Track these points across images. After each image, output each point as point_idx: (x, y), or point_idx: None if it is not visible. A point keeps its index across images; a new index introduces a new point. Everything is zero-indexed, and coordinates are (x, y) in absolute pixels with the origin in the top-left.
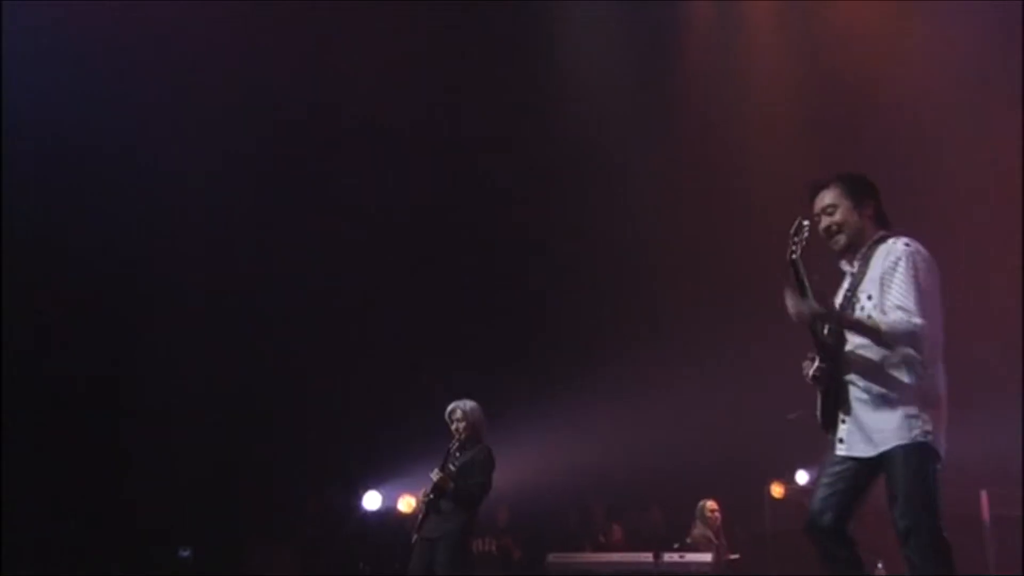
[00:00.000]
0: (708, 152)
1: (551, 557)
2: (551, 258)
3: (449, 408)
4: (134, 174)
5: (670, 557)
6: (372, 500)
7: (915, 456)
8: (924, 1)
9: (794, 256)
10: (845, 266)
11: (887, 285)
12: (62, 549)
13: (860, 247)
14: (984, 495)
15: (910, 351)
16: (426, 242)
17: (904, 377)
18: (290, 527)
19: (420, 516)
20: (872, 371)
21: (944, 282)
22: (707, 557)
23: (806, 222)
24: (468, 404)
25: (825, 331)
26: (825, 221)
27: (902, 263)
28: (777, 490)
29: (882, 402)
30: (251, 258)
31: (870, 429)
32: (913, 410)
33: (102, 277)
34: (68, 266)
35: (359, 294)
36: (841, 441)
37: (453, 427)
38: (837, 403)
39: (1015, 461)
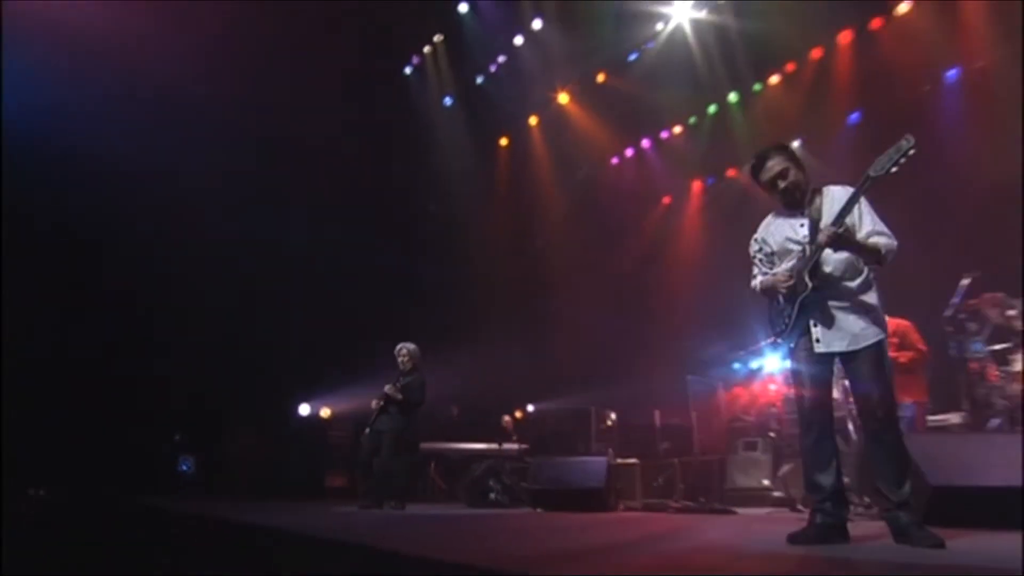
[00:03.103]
0: (514, 215)
1: (423, 445)
2: (435, 266)
3: (398, 347)
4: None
5: (508, 445)
6: (304, 408)
7: (885, 351)
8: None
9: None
10: (783, 210)
11: (856, 217)
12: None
13: (803, 200)
14: (657, 412)
15: (868, 271)
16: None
17: (869, 288)
18: (252, 420)
19: (373, 416)
20: (850, 283)
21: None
22: (516, 446)
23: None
24: (411, 345)
25: (812, 251)
26: (783, 182)
27: (858, 199)
28: (519, 415)
29: (858, 307)
30: (231, 224)
31: (852, 328)
32: (878, 315)
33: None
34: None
35: (320, 266)
36: (817, 341)
37: (399, 360)
38: (809, 311)
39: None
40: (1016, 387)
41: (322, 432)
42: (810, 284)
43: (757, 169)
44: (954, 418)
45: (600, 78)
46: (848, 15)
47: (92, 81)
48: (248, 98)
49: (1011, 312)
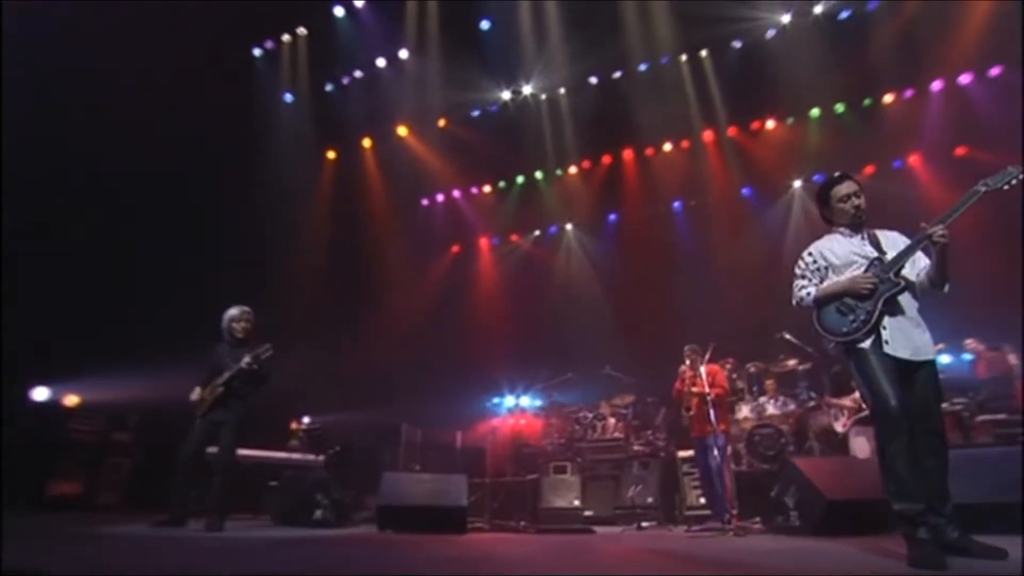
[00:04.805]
0: (329, 225)
1: (239, 451)
2: (234, 255)
3: (243, 310)
4: None
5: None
6: (40, 392)
7: (937, 369)
8: None
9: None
10: (843, 230)
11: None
12: None
13: (863, 224)
14: (459, 435)
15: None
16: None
17: (921, 312)
18: None
19: (206, 405)
20: (916, 300)
21: None
22: (319, 457)
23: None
24: (250, 311)
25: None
26: (857, 200)
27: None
28: (295, 425)
29: (921, 323)
30: None
31: (916, 340)
32: (930, 336)
33: None
34: None
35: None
36: (886, 343)
37: (240, 326)
38: (882, 315)
39: (475, 413)
40: (739, 429)
41: (60, 424)
42: (899, 281)
43: (834, 184)
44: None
45: (441, 122)
46: (635, 138)
47: None
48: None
49: (735, 374)
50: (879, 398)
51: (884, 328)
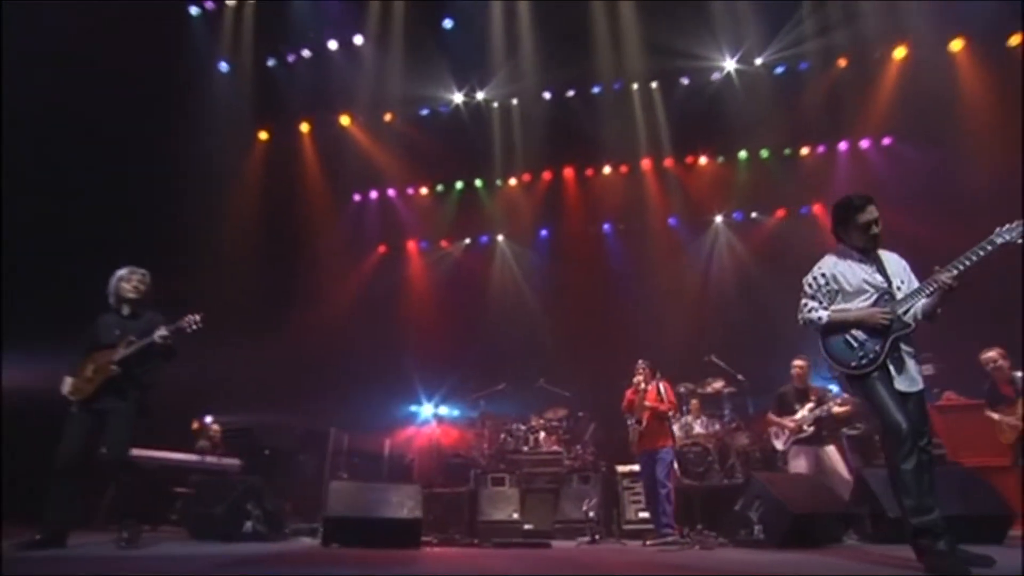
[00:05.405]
0: (257, 208)
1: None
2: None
3: (133, 269)
4: None
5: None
6: None
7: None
8: None
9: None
10: (854, 254)
11: (912, 279)
12: None
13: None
14: (387, 441)
15: None
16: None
17: None
18: None
19: (92, 388)
20: (914, 333)
21: None
22: (237, 461)
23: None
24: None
25: (912, 291)
26: (876, 229)
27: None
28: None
29: (916, 354)
30: None
31: (912, 373)
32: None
33: None
34: None
35: None
36: (895, 379)
37: (130, 286)
38: (889, 353)
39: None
40: None
41: None
42: (910, 324)
43: (859, 209)
44: None
45: (387, 117)
46: (577, 157)
47: None
48: None
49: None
50: (891, 423)
51: (891, 365)
